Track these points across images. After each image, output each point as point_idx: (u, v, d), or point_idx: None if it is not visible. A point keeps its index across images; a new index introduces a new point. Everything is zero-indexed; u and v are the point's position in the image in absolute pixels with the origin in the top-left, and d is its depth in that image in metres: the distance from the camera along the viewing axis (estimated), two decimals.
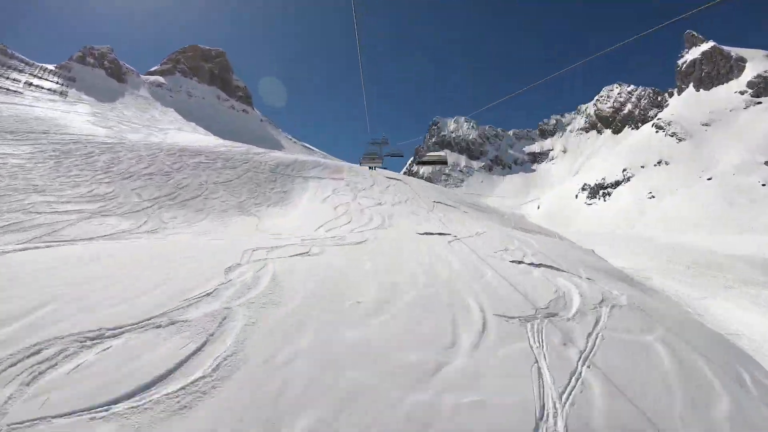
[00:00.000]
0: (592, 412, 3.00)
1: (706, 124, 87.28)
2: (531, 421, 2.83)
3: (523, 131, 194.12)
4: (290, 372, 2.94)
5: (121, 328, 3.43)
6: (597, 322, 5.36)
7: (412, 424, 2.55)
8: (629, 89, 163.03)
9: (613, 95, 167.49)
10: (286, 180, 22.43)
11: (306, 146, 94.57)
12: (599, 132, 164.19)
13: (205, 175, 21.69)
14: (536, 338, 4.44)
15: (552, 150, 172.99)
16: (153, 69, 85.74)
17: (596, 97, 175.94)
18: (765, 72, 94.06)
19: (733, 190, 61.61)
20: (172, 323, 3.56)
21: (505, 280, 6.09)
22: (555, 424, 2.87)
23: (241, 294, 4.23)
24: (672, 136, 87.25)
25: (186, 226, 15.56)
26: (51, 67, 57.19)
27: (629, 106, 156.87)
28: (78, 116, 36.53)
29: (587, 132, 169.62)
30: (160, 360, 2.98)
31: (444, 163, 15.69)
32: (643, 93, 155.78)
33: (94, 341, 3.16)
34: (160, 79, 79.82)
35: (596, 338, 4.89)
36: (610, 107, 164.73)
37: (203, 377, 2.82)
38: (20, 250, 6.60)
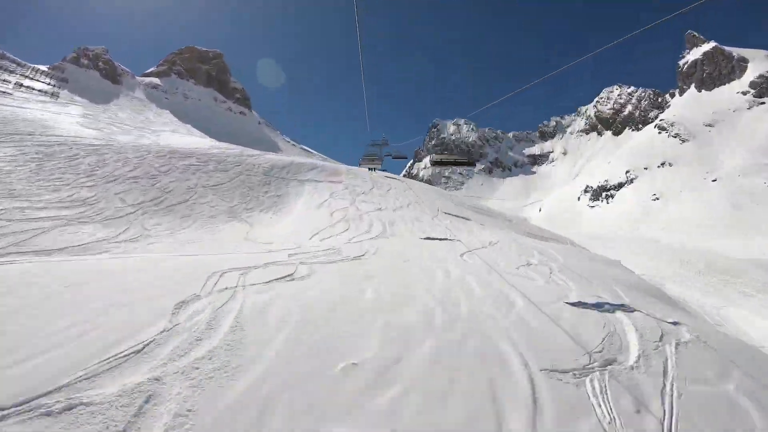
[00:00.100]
0: None
1: (710, 125, 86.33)
2: None
3: (522, 133, 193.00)
4: None
5: None
6: (666, 371, 4.22)
7: None
8: (629, 90, 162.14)
9: (613, 97, 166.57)
10: (281, 183, 21.18)
11: (305, 149, 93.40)
12: (599, 134, 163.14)
13: (194, 179, 20.44)
14: (604, 406, 3.20)
15: (552, 152, 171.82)
16: (149, 71, 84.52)
17: (596, 99, 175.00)
18: (767, 72, 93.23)
19: (738, 192, 60.56)
20: (69, 408, 2.32)
21: (540, 311, 4.84)
22: None
23: (185, 351, 2.96)
24: (675, 137, 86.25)
25: (169, 234, 14.28)
26: (43, 68, 55.98)
27: (629, 108, 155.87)
28: (68, 118, 35.33)
29: (587, 134, 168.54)
30: None
31: (472, 164, 14.71)
32: (643, 94, 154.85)
33: None
34: (156, 80, 78.63)
35: (672, 396, 3.72)
36: (611, 109, 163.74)
37: None
38: None
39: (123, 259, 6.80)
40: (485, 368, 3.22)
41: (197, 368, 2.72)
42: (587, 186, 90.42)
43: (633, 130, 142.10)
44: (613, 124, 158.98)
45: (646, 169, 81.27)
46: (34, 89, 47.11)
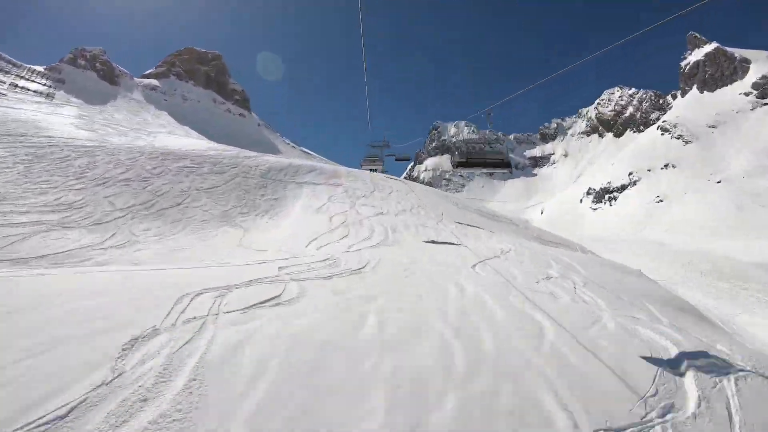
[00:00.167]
0: None
1: (713, 126, 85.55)
2: None
3: (523, 135, 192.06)
4: None
5: None
6: (731, 417, 3.45)
7: None
8: (630, 92, 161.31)
9: (614, 98, 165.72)
10: (278, 186, 20.38)
11: (305, 151, 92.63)
12: (601, 136, 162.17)
13: (188, 181, 19.64)
14: None
15: (553, 154, 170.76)
16: (147, 72, 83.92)
17: (597, 101, 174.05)
18: None
19: (743, 194, 59.73)
20: None
21: (576, 341, 4.04)
22: None
23: (123, 420, 2.14)
24: (678, 138, 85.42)
25: (157, 241, 13.49)
26: (40, 68, 55.32)
27: (631, 110, 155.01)
28: (62, 119, 34.58)
29: (588, 136, 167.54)
30: None
31: (507, 165, 12.46)
32: (644, 96, 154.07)
33: None
34: (155, 82, 78.01)
35: None
36: (612, 110, 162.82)
37: None
38: None
39: (91, 274, 5.99)
40: None
41: None
42: (589, 188, 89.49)
43: (634, 131, 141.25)
44: (615, 125, 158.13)
45: (649, 170, 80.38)
46: (29, 90, 46.44)
